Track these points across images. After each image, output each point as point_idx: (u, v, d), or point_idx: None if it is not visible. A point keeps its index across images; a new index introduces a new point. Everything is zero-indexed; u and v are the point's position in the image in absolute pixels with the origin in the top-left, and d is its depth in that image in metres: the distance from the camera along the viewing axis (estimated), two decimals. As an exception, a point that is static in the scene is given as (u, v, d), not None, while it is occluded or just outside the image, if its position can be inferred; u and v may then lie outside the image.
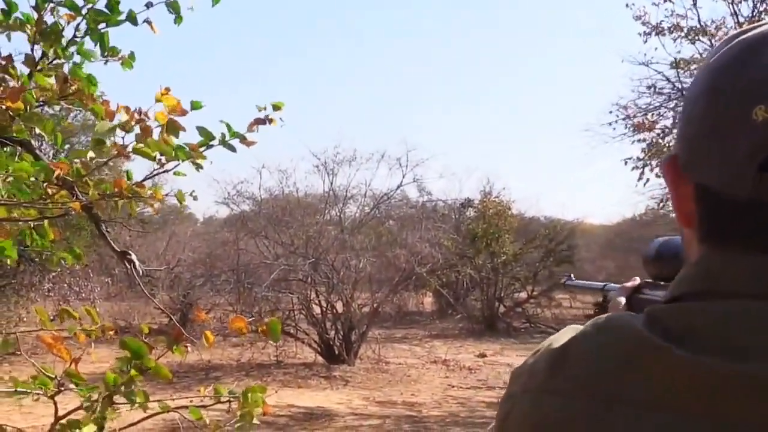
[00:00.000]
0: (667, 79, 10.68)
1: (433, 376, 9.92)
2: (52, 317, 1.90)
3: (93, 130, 1.79)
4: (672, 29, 9.75)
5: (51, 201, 1.76)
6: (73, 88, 1.80)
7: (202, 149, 1.82)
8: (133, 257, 1.99)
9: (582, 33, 46.20)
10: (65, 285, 12.05)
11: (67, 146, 9.96)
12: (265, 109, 1.92)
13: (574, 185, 38.72)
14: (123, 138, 1.76)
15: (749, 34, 0.51)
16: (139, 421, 1.91)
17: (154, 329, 2.22)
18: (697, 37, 9.60)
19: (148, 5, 1.82)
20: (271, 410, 1.90)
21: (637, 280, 1.09)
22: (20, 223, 1.85)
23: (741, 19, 9.37)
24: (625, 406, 0.46)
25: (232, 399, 1.83)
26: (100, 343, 2.24)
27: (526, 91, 44.25)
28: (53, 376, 1.73)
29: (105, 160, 1.78)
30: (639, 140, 10.34)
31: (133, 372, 1.70)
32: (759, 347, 0.43)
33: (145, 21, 1.83)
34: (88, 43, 1.84)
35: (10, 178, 1.59)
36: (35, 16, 1.74)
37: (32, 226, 1.89)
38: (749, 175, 0.46)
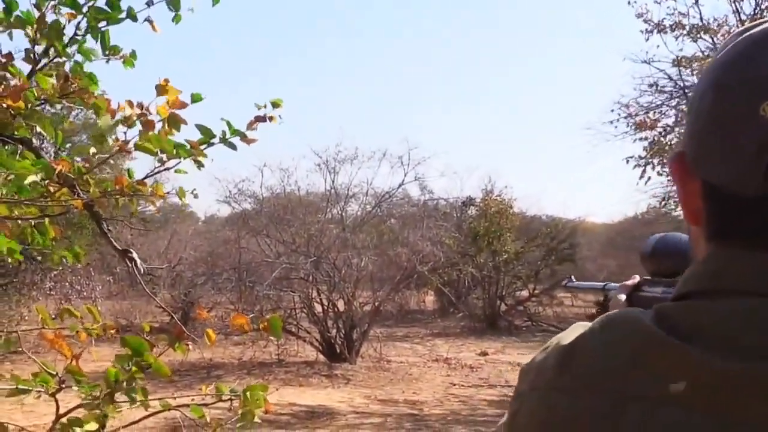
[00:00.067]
0: (669, 77, 10.68)
1: (435, 375, 9.93)
2: (53, 316, 1.89)
3: (94, 129, 1.79)
4: (674, 27, 9.73)
5: (52, 199, 1.76)
6: (75, 86, 1.80)
7: (202, 147, 1.82)
8: (135, 256, 1.99)
9: (582, 33, 46.24)
10: (67, 284, 12.05)
11: (68, 145, 9.96)
12: (264, 107, 1.92)
13: (576, 184, 38.76)
14: (125, 133, 1.76)
15: (756, 30, 0.50)
16: (140, 420, 1.91)
17: (155, 328, 2.22)
18: (699, 35, 9.59)
19: (149, 3, 1.81)
20: (272, 409, 1.90)
21: (637, 278, 1.10)
22: (21, 221, 1.85)
23: (743, 17, 9.35)
24: (632, 403, 0.45)
25: (233, 397, 1.83)
26: (102, 342, 2.24)
27: (526, 91, 44.31)
28: (54, 373, 1.72)
29: (107, 156, 1.78)
30: (641, 138, 10.34)
31: (134, 369, 1.70)
32: (764, 346, 0.43)
33: (146, 20, 1.83)
34: (89, 42, 1.84)
35: (12, 177, 1.59)
36: (36, 14, 1.74)
37: (33, 224, 1.89)
38: (756, 172, 0.46)
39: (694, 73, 9.25)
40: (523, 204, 17.72)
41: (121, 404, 1.73)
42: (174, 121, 1.76)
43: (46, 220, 1.90)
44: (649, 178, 10.06)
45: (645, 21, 9.95)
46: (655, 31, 9.94)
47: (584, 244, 19.23)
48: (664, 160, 9.29)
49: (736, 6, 9.54)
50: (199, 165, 1.84)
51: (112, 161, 1.84)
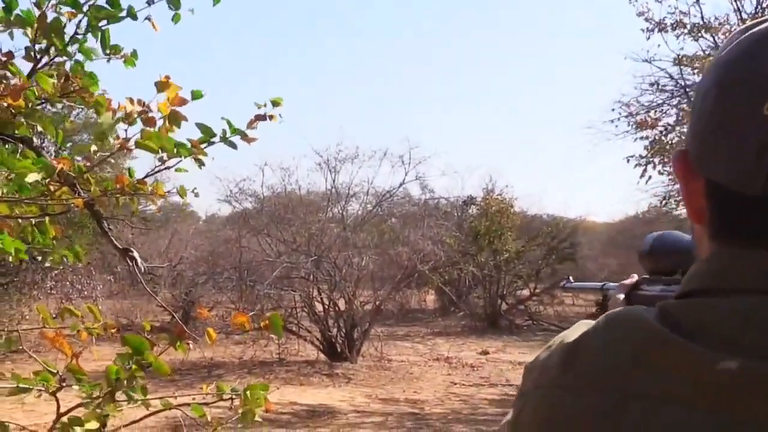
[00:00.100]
0: (670, 76, 10.68)
1: (436, 374, 9.93)
2: (54, 315, 1.89)
3: (95, 127, 1.79)
4: (675, 26, 9.73)
5: (53, 198, 1.76)
6: (75, 85, 1.80)
7: (203, 146, 1.82)
8: (136, 255, 1.99)
9: (582, 33, 46.20)
10: (68, 283, 12.05)
11: (69, 144, 9.96)
12: (264, 105, 1.92)
13: (576, 183, 38.77)
14: (126, 131, 1.76)
15: (758, 28, 0.50)
16: (141, 419, 1.91)
17: (156, 327, 2.22)
18: (700, 34, 9.59)
19: (149, 2, 1.81)
20: (273, 408, 1.90)
21: (635, 277, 1.10)
22: (21, 220, 1.85)
23: (744, 15, 9.35)
24: (634, 402, 0.45)
25: (234, 396, 1.83)
26: (102, 341, 2.24)
27: (526, 90, 44.30)
28: (55, 372, 1.72)
29: (108, 154, 1.78)
30: (641, 138, 10.35)
31: (134, 368, 1.70)
32: (764, 346, 0.43)
33: (146, 19, 1.83)
34: (90, 41, 1.83)
35: (12, 176, 1.59)
36: (36, 13, 1.73)
37: (34, 223, 1.89)
38: (758, 171, 0.46)
39: (695, 71, 9.25)
40: (524, 203, 17.77)
41: (122, 403, 1.73)
42: (175, 118, 1.76)
43: (47, 219, 1.90)
44: (650, 177, 10.07)
45: (646, 20, 9.97)
46: (656, 29, 9.94)
47: (585, 243, 19.24)
48: (665, 159, 9.30)
49: (737, 4, 9.54)
50: (200, 164, 1.84)
51: (112, 160, 1.84)
